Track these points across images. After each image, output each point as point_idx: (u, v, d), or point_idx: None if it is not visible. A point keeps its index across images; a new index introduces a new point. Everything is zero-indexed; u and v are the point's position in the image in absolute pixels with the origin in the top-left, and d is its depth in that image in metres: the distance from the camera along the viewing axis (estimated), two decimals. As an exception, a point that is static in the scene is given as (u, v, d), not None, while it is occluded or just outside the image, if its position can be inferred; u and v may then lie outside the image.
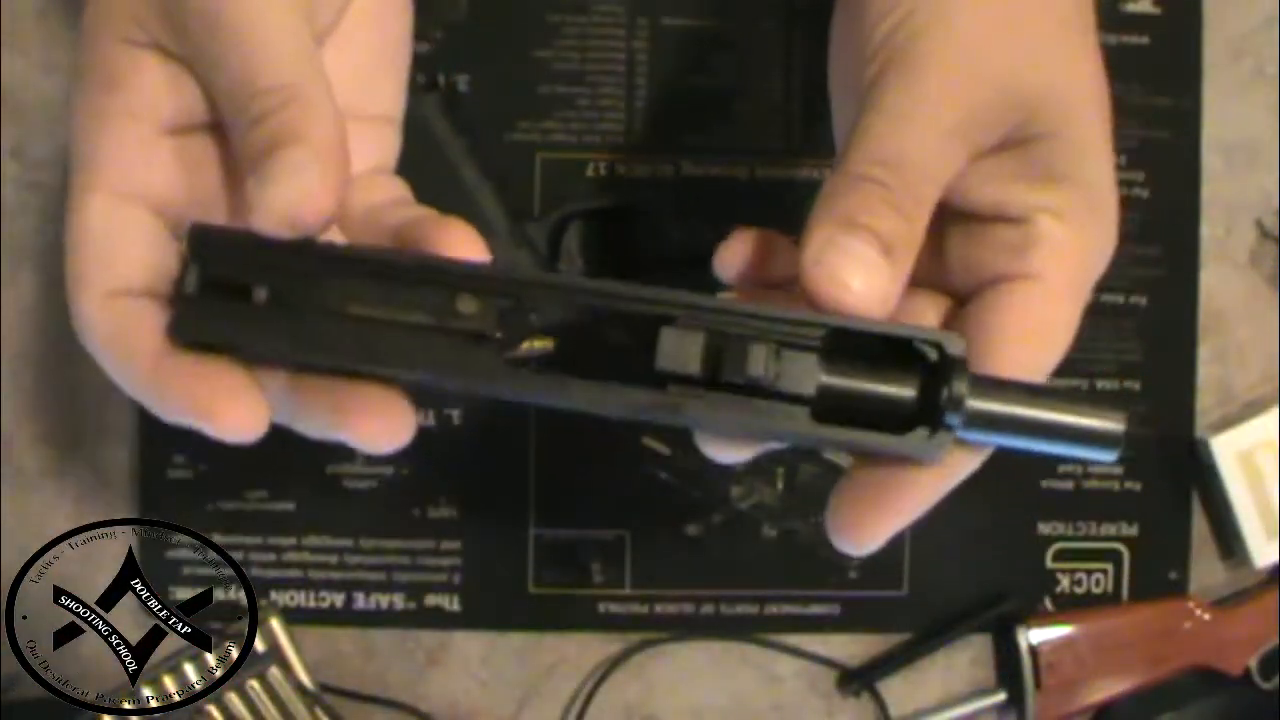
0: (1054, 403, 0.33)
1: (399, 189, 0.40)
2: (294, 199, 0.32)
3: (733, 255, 0.37)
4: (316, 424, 0.34)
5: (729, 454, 0.36)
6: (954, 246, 0.35)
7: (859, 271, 0.32)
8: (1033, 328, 0.34)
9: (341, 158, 0.33)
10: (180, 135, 0.35)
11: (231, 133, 0.34)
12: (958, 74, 0.33)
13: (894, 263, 0.32)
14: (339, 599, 0.62)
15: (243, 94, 0.33)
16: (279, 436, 0.60)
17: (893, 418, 0.33)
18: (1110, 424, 0.33)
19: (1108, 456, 0.33)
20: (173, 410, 0.33)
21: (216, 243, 0.33)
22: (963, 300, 0.36)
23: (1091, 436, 0.33)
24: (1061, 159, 0.34)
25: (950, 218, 0.35)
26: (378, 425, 0.34)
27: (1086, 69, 0.35)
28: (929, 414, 0.33)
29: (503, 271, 0.35)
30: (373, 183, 0.38)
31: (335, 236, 0.37)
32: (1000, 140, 0.34)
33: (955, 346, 0.32)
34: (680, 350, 0.33)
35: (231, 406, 0.33)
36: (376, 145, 0.40)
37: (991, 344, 0.34)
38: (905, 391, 0.33)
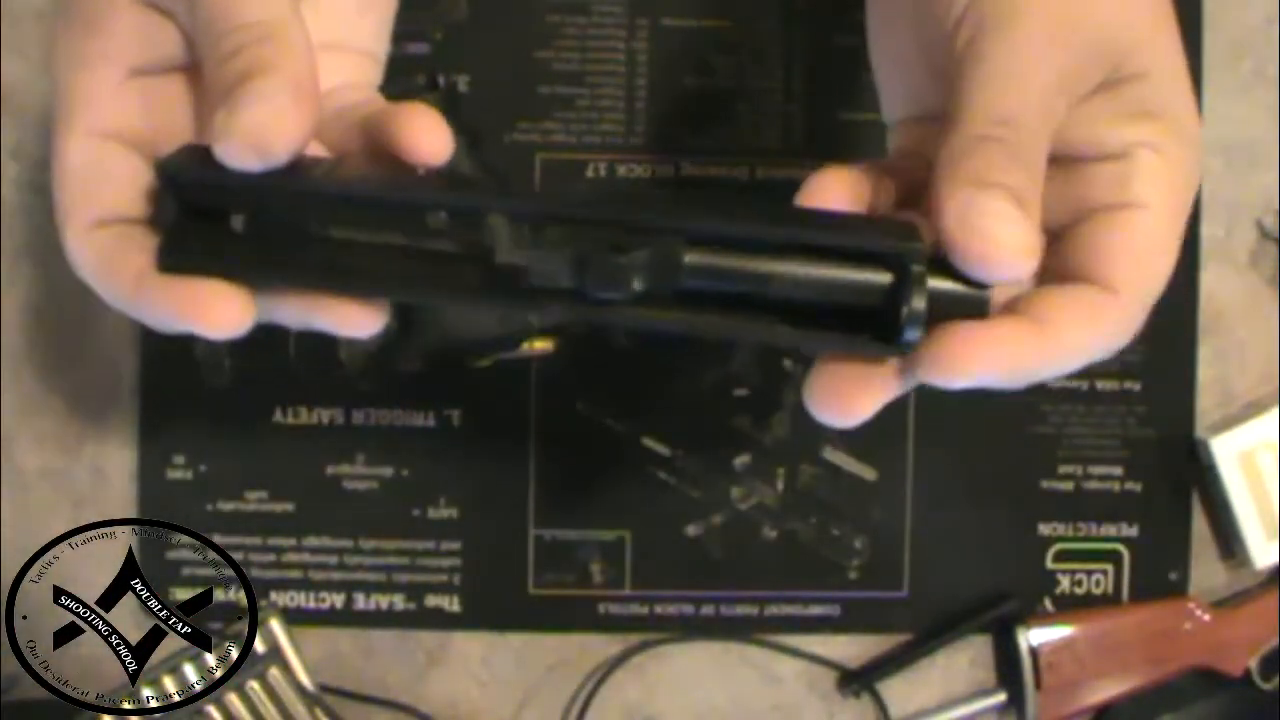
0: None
1: (369, 96, 0.41)
2: (260, 125, 0.32)
3: (822, 193, 0.37)
4: (293, 314, 0.35)
5: None
6: (1053, 187, 0.36)
7: (1003, 227, 0.33)
8: (1142, 248, 0.35)
9: (311, 91, 0.33)
10: (156, 76, 0.36)
11: (206, 70, 0.35)
12: (1057, 28, 0.34)
13: (1029, 214, 0.33)
14: (339, 600, 0.62)
15: (218, 30, 0.34)
16: (279, 436, 0.61)
17: (862, 321, 0.34)
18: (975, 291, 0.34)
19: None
20: (162, 318, 0.34)
21: (188, 176, 0.34)
22: (1056, 235, 0.37)
23: None
24: (1153, 96, 0.36)
25: (1049, 160, 0.36)
26: (352, 311, 0.35)
27: (1164, 8, 0.37)
28: (890, 324, 0.33)
29: (468, 189, 0.36)
30: (344, 92, 0.39)
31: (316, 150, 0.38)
32: (1095, 85, 0.35)
33: (915, 261, 0.33)
34: (620, 273, 0.32)
35: (218, 304, 0.34)
36: (354, 71, 0.40)
37: (1102, 265, 0.35)
38: (868, 298, 0.34)
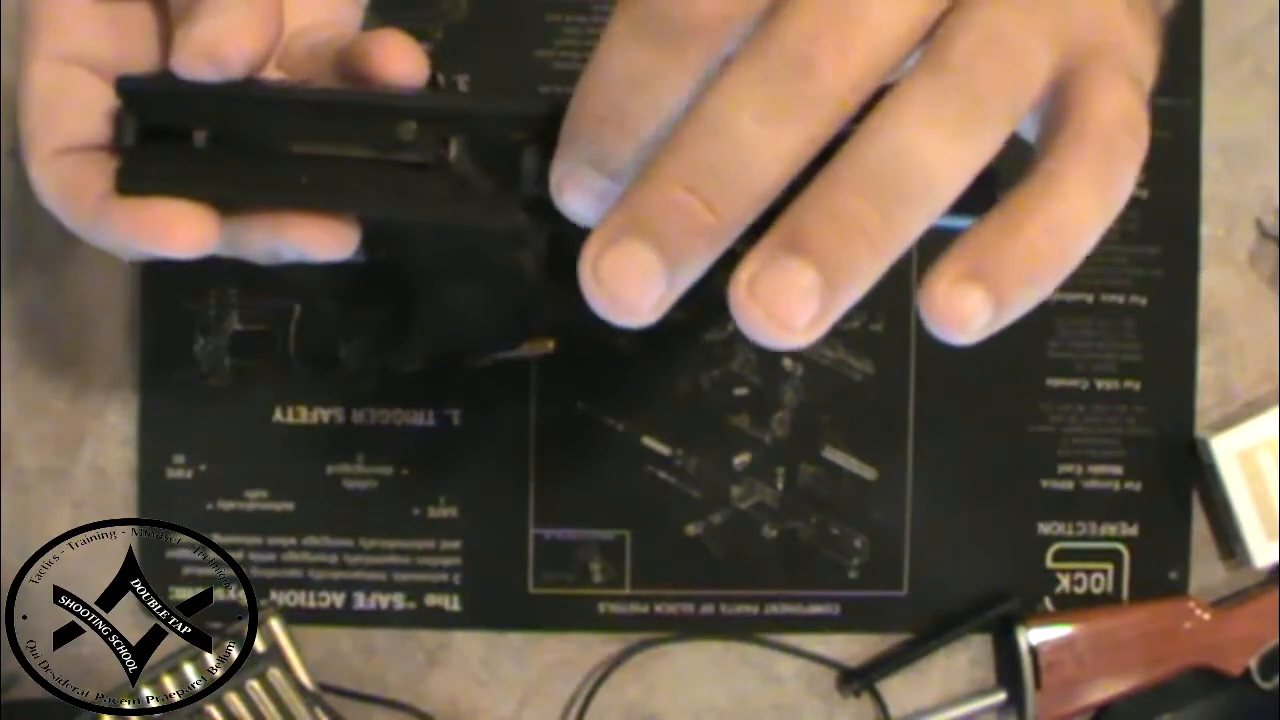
0: None
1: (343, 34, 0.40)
2: (216, 34, 0.32)
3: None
4: (259, 238, 0.34)
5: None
6: None
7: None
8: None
9: (270, 6, 0.33)
10: (125, 1, 0.36)
11: None
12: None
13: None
14: (339, 599, 0.62)
15: None
16: (279, 436, 0.61)
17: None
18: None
19: None
20: (123, 241, 0.34)
21: (149, 92, 0.34)
22: None
23: None
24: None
25: None
26: (319, 230, 0.34)
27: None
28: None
29: (439, 96, 0.35)
30: (318, 31, 0.38)
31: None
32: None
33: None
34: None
35: (180, 224, 0.33)
36: (328, 10, 0.39)
37: None
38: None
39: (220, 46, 0.32)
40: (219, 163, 0.34)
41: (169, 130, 0.34)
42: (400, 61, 0.35)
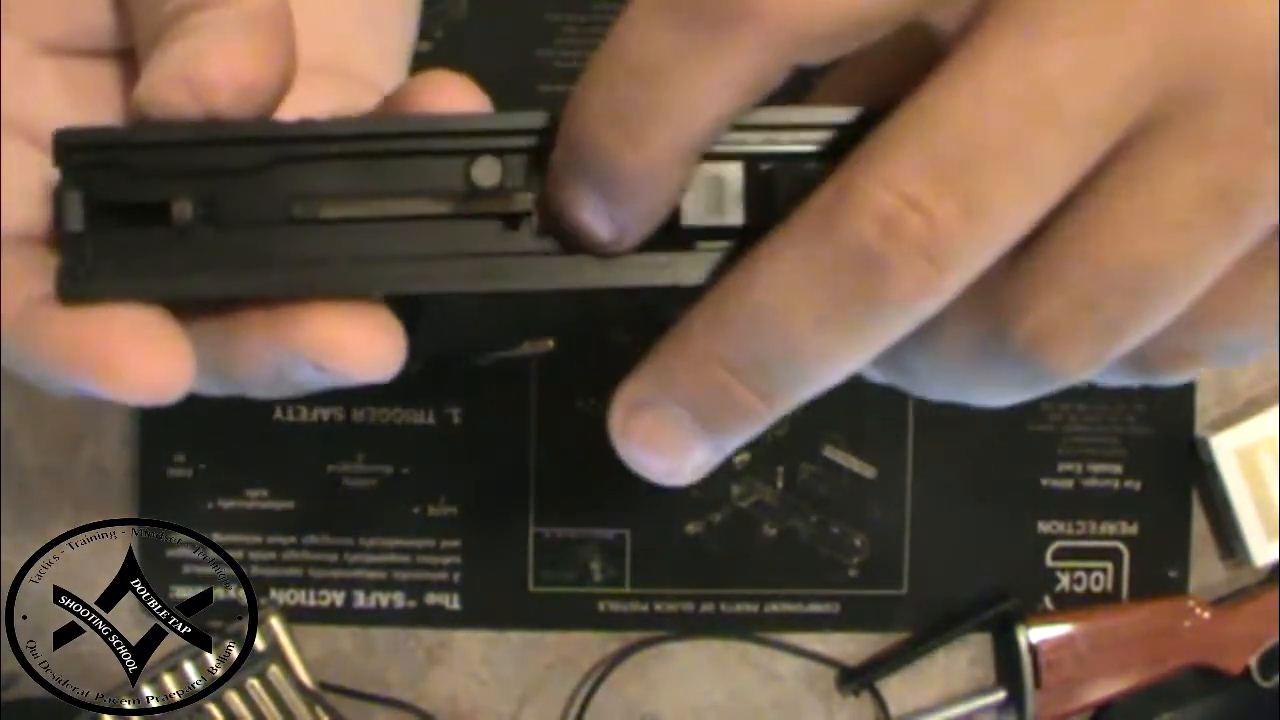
0: None
1: None
2: (199, 51, 0.23)
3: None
4: (258, 349, 0.24)
5: None
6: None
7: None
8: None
9: (277, 20, 0.24)
10: (79, 59, 0.27)
11: (140, 38, 0.25)
12: None
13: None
14: (339, 597, 0.62)
15: None
16: (280, 434, 0.60)
17: None
18: None
19: None
20: (56, 369, 0.23)
21: (103, 147, 0.23)
22: None
23: None
24: None
25: None
26: (356, 323, 0.24)
27: None
28: None
29: (521, 120, 0.24)
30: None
31: None
32: None
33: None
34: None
35: (136, 352, 0.23)
36: (347, 98, 0.29)
37: None
38: None
39: (204, 67, 0.23)
40: (211, 247, 0.23)
41: (135, 205, 0.23)
42: (461, 103, 0.26)
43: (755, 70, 0.21)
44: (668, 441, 0.24)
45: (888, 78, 0.24)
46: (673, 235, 0.24)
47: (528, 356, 0.60)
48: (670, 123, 0.21)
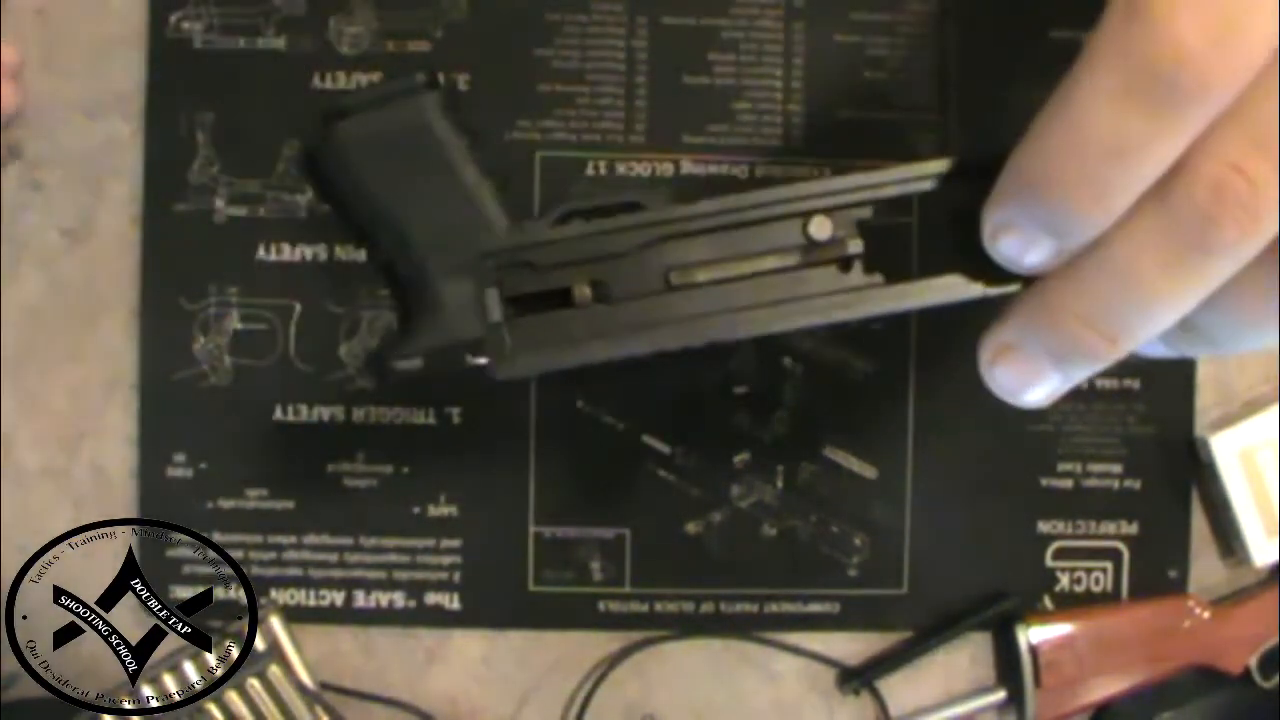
0: None
1: None
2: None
3: None
4: None
5: None
6: None
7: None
8: None
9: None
10: None
11: None
12: None
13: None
14: (339, 597, 0.62)
15: None
16: (280, 434, 0.61)
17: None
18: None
19: None
20: None
21: (512, 253, 0.30)
22: None
23: None
24: None
25: None
26: None
27: None
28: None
29: (832, 179, 0.31)
30: None
31: None
32: None
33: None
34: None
35: None
36: None
37: None
38: None
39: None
40: (607, 318, 0.30)
41: (540, 294, 0.30)
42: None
43: (1189, 135, 0.26)
44: (1028, 374, 0.29)
45: None
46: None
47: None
48: (1134, 189, 0.26)
